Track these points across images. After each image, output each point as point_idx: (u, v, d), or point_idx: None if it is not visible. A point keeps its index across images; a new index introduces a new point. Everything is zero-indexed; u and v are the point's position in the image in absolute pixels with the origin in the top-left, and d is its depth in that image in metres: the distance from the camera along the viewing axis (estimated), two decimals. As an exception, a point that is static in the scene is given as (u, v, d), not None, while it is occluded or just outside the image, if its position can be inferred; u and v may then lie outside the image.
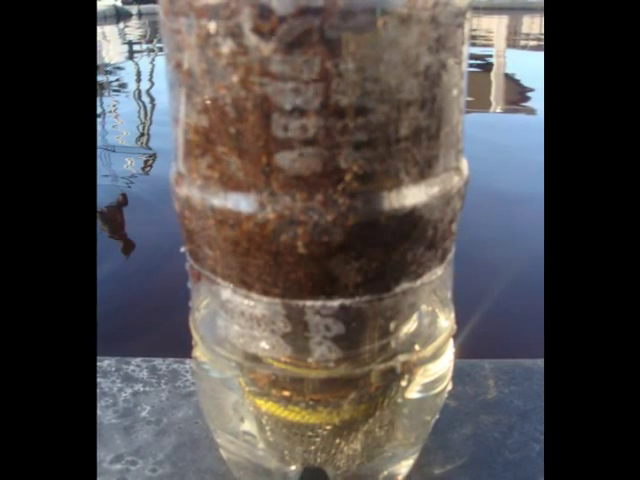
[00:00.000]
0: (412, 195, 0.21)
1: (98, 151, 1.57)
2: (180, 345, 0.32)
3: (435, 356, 0.27)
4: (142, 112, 2.17)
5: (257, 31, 0.18)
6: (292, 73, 0.18)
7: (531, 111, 2.08)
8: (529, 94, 2.36)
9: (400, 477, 0.31)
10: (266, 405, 0.27)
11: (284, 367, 0.25)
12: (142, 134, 1.86)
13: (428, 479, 0.32)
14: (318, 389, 0.25)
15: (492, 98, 2.35)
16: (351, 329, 0.23)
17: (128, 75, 2.84)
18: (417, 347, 0.26)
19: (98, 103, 2.19)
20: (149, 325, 0.78)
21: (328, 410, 0.26)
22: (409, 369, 0.26)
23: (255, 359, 0.25)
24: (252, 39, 0.18)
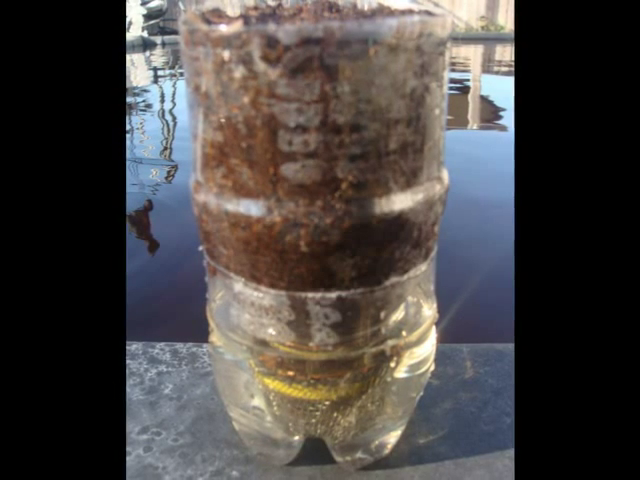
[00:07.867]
0: (400, 201, 0.21)
1: (127, 163, 1.57)
2: (198, 331, 0.32)
3: (420, 341, 0.27)
4: (165, 129, 2.16)
5: (265, 58, 0.18)
6: (296, 95, 0.18)
7: (503, 128, 2.07)
8: (501, 113, 2.36)
9: (389, 446, 0.31)
10: (273, 383, 0.27)
11: (289, 350, 0.25)
12: (165, 148, 1.86)
13: (414, 448, 0.32)
14: (318, 369, 0.25)
15: (469, 117, 2.34)
16: (347, 317, 0.23)
17: (153, 97, 2.84)
18: (404, 333, 0.26)
19: (127, 121, 2.19)
20: (171, 314, 0.77)
21: (327, 388, 0.26)
22: (397, 352, 0.26)
23: (263, 343, 0.25)
24: (261, 65, 0.18)
